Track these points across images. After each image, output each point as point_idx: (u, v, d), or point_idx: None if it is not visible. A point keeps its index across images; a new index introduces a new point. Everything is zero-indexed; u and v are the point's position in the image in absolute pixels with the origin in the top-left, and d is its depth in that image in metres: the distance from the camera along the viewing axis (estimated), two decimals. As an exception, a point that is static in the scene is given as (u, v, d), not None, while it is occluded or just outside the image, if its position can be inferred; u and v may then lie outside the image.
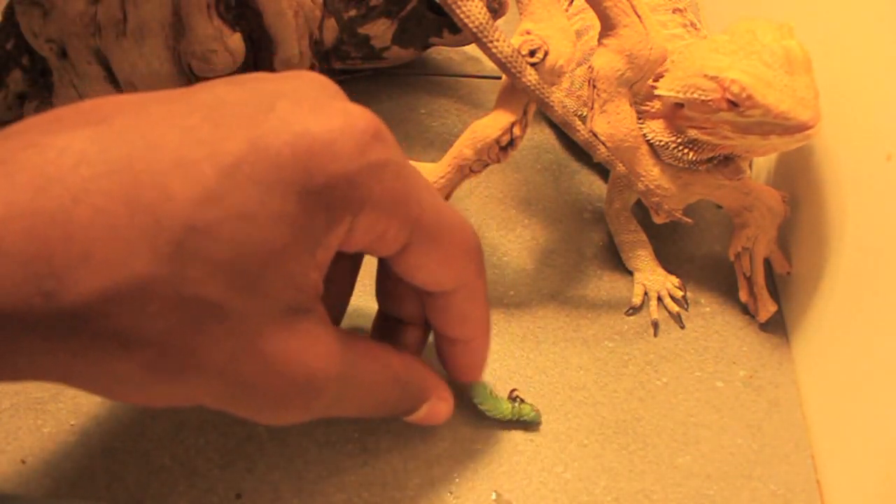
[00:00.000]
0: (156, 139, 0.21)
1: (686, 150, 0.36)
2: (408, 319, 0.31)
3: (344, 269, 0.30)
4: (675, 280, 0.40)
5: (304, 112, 0.23)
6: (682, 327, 0.39)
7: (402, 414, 0.30)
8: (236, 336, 0.22)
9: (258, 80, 0.25)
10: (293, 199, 0.22)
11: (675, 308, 0.39)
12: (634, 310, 0.39)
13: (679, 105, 0.35)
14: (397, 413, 0.30)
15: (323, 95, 0.24)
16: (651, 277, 0.40)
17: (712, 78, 0.32)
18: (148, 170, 0.21)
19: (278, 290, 0.23)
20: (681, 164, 0.36)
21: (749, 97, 0.31)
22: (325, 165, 0.22)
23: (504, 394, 0.34)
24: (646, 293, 0.40)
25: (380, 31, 0.46)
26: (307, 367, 0.24)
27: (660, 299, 0.39)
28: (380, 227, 0.25)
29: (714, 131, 0.34)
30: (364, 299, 0.35)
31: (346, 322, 0.32)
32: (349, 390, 0.26)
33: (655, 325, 0.39)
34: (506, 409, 0.33)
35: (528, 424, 0.34)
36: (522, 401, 0.34)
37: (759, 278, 0.38)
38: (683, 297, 0.40)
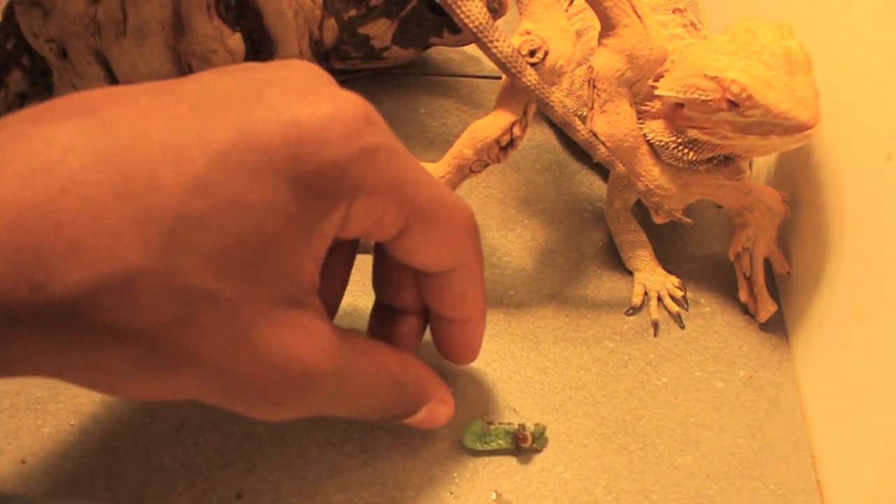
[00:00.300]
0: (144, 129, 0.21)
1: (686, 150, 0.36)
2: (405, 309, 0.31)
3: (340, 257, 0.30)
4: (675, 280, 0.40)
5: (293, 99, 0.22)
6: (682, 327, 0.39)
7: (400, 416, 0.30)
8: (229, 328, 0.22)
9: (247, 70, 0.24)
10: (284, 188, 0.22)
11: (675, 308, 0.39)
12: (634, 310, 0.39)
13: (679, 105, 0.35)
14: (396, 415, 0.29)
15: (312, 82, 0.24)
16: (651, 277, 0.40)
17: (712, 78, 0.32)
18: (136, 160, 0.20)
19: (272, 281, 0.22)
20: (681, 164, 0.36)
21: (749, 97, 0.31)
22: (316, 153, 0.22)
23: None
24: (646, 293, 0.40)
25: (380, 31, 0.46)
26: (302, 361, 0.23)
27: (660, 299, 0.39)
28: (377, 212, 0.24)
29: (714, 131, 0.34)
30: (364, 300, 0.35)
31: (344, 322, 0.32)
32: (345, 388, 0.26)
33: (655, 325, 0.39)
34: (503, 443, 0.33)
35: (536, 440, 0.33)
36: (524, 438, 0.33)
37: (759, 278, 0.38)
38: (683, 297, 0.40)
